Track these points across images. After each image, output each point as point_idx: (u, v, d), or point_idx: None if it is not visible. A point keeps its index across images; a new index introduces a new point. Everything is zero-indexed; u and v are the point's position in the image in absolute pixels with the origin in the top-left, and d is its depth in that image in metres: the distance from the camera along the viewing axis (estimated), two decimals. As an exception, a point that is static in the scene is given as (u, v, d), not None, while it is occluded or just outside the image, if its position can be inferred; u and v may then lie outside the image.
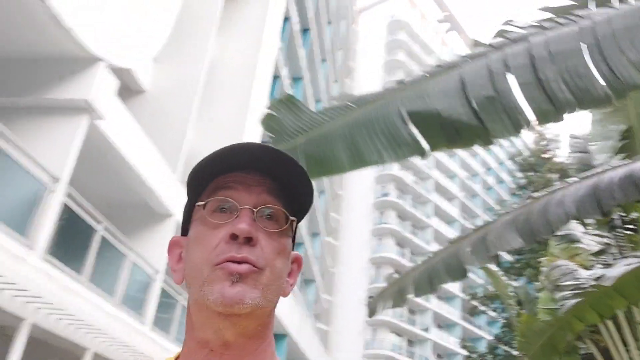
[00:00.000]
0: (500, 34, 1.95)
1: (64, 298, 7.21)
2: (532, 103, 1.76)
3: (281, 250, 0.74)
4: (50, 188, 6.88)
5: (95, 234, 7.91)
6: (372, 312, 2.89)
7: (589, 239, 5.90)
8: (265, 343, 0.75)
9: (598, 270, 3.65)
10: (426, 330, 43.39)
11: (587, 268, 5.55)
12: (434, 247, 47.28)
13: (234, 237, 0.70)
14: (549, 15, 2.08)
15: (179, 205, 10.85)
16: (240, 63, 15.38)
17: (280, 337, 18.96)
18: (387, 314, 39.90)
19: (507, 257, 18.50)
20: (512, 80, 1.82)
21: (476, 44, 2.00)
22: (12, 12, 6.82)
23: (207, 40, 12.82)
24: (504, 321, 19.11)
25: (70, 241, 7.69)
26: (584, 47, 1.79)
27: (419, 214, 48.27)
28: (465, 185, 56.24)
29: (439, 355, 44.25)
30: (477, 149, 57.61)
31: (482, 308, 22.63)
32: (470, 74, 1.85)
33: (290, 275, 0.80)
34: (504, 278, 10.56)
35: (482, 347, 24.48)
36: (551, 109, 1.75)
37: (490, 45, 1.94)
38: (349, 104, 1.94)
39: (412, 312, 43.88)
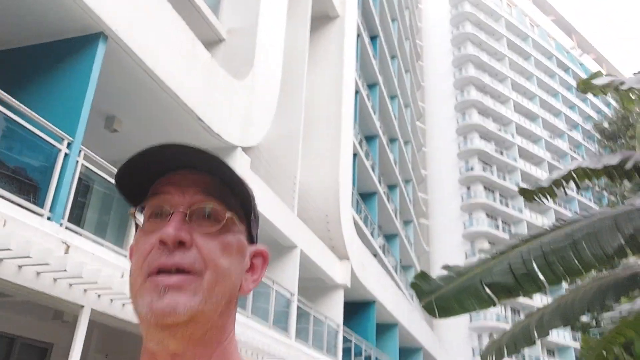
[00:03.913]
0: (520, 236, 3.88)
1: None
2: (545, 275, 3.69)
3: (224, 247, 0.70)
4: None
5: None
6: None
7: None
8: (221, 347, 0.70)
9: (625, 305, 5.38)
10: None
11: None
12: (526, 214, 48.15)
13: (163, 242, 0.67)
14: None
15: (301, 238, 13.21)
16: (327, 93, 17.46)
17: (391, 326, 21.17)
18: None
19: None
20: (534, 263, 3.75)
21: (513, 236, 3.93)
22: (176, 127, 9.28)
23: (301, 85, 15.00)
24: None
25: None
26: (568, 244, 3.69)
27: (506, 184, 48.58)
28: (552, 146, 55.51)
29: (549, 352, 44.63)
30: (560, 104, 56.65)
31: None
32: (512, 259, 3.79)
33: (252, 271, 0.77)
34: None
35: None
36: (554, 278, 3.67)
37: (521, 240, 3.88)
38: (453, 275, 3.94)
39: (515, 311, 44.10)
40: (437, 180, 49.24)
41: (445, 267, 4.05)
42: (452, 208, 47.42)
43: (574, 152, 56.76)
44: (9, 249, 4.19)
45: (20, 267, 4.54)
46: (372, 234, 22.16)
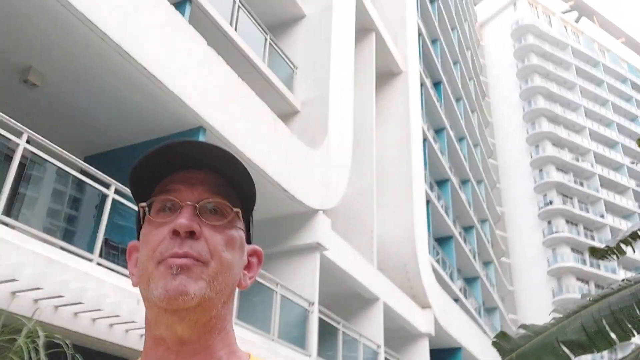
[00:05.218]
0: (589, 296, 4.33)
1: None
2: (615, 332, 4.10)
3: (229, 242, 0.75)
4: (310, 310, 10.05)
5: (338, 332, 10.97)
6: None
7: None
8: (221, 334, 0.75)
9: None
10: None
11: None
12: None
13: (176, 233, 0.72)
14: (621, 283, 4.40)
15: (382, 290, 13.70)
16: (396, 146, 18.12)
17: (480, 373, 20.81)
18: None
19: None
20: (604, 321, 4.17)
21: (583, 296, 4.37)
22: (264, 197, 10.23)
23: (371, 142, 15.80)
24: None
25: (324, 339, 10.78)
26: (634, 302, 4.10)
27: (590, 216, 46.62)
28: (635, 172, 52.90)
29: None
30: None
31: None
32: (584, 318, 4.23)
33: (248, 268, 0.82)
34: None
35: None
36: (623, 334, 4.07)
37: (591, 300, 4.32)
38: (530, 334, 4.41)
39: (612, 350, 41.90)
40: (515, 217, 48.07)
41: (522, 327, 4.53)
42: (533, 244, 45.96)
43: (661, 176, 53.74)
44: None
45: (141, 336, 5.44)
46: (451, 278, 22.15)
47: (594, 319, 4.19)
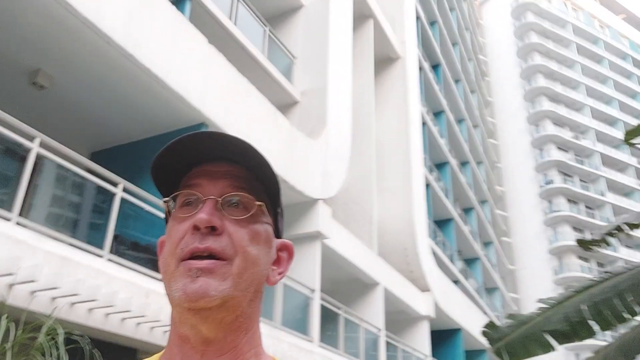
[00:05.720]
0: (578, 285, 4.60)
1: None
2: (597, 323, 4.38)
3: (253, 236, 0.73)
4: (311, 297, 10.37)
5: (339, 318, 11.32)
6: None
7: None
8: (248, 335, 0.73)
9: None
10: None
11: None
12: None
13: (196, 228, 0.70)
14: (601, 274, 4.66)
15: (382, 274, 14.03)
16: (395, 131, 18.33)
17: (480, 352, 21.28)
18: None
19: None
20: (585, 311, 4.45)
21: (569, 286, 4.65)
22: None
23: (370, 129, 16.00)
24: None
25: (326, 324, 11.13)
26: (614, 294, 4.38)
27: (591, 194, 46.88)
28: (636, 150, 52.95)
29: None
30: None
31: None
32: (568, 309, 4.51)
33: (278, 264, 0.80)
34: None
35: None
36: (605, 324, 4.35)
37: (574, 291, 4.59)
38: (517, 323, 4.69)
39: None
40: (516, 196, 48.35)
41: (510, 316, 4.81)
42: (534, 223, 46.34)
43: (662, 153, 53.77)
44: (158, 320, 5.40)
45: (151, 328, 5.76)
46: (451, 260, 22.50)
47: (576, 310, 4.47)
